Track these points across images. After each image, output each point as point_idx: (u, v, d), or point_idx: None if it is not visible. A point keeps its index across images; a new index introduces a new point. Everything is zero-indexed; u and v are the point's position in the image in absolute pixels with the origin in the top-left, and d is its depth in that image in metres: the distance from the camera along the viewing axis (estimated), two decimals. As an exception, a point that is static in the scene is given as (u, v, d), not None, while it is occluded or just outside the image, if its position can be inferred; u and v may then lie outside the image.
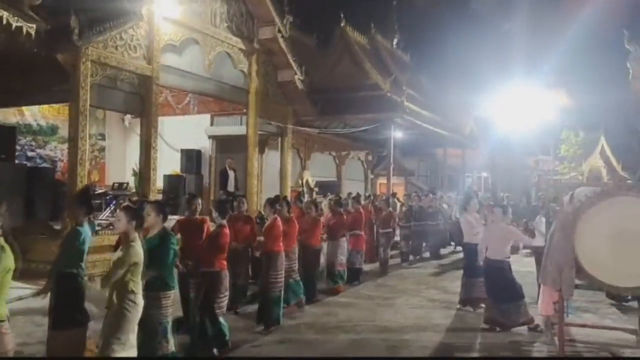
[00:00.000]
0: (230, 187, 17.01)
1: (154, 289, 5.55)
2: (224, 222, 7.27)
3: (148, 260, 5.33)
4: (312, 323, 8.78)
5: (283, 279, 8.60)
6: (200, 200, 8.13)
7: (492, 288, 8.67)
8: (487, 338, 8.00)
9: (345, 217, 11.78)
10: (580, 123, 32.22)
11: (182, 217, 7.75)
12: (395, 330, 8.39)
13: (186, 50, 14.18)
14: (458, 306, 9.93)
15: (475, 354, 7.21)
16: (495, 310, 8.48)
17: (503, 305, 8.37)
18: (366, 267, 12.73)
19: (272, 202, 8.92)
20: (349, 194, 15.41)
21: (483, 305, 9.67)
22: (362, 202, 14.44)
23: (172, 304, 5.64)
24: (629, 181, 20.65)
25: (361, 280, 12.13)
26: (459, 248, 18.08)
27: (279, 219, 8.67)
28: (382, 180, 29.49)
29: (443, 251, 17.89)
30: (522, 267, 14.15)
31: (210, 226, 7.76)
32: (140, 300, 5.18)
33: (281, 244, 8.57)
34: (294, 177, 20.66)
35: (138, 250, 5.17)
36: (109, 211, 14.52)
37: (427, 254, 16.94)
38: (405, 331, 8.35)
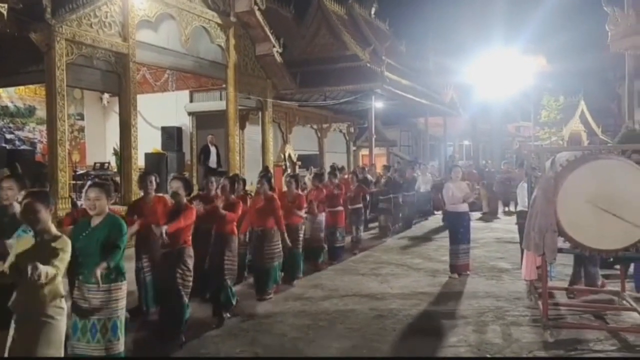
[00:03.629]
0: (213, 164, 16.97)
1: (108, 281, 4.93)
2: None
3: (100, 250, 4.85)
4: (300, 294, 8.81)
5: (237, 264, 7.97)
6: (154, 178, 7.65)
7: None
8: (472, 305, 8.07)
9: (323, 191, 11.43)
10: (559, 88, 32.34)
11: (138, 198, 7.31)
12: (381, 299, 8.45)
13: (162, 25, 14.03)
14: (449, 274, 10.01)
15: (459, 321, 7.27)
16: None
17: None
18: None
19: (231, 181, 8.38)
20: (331, 166, 15.27)
21: (468, 272, 9.97)
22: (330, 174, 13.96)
23: (124, 297, 5.28)
24: (609, 144, 20.82)
25: (343, 257, 11.83)
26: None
27: (237, 199, 8.14)
28: (365, 151, 29.50)
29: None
30: (506, 234, 14.32)
31: (168, 203, 7.11)
32: (64, 304, 4.46)
33: (235, 226, 7.90)
34: (275, 151, 20.62)
35: (69, 242, 4.44)
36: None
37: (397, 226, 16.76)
38: (392, 300, 8.41)
